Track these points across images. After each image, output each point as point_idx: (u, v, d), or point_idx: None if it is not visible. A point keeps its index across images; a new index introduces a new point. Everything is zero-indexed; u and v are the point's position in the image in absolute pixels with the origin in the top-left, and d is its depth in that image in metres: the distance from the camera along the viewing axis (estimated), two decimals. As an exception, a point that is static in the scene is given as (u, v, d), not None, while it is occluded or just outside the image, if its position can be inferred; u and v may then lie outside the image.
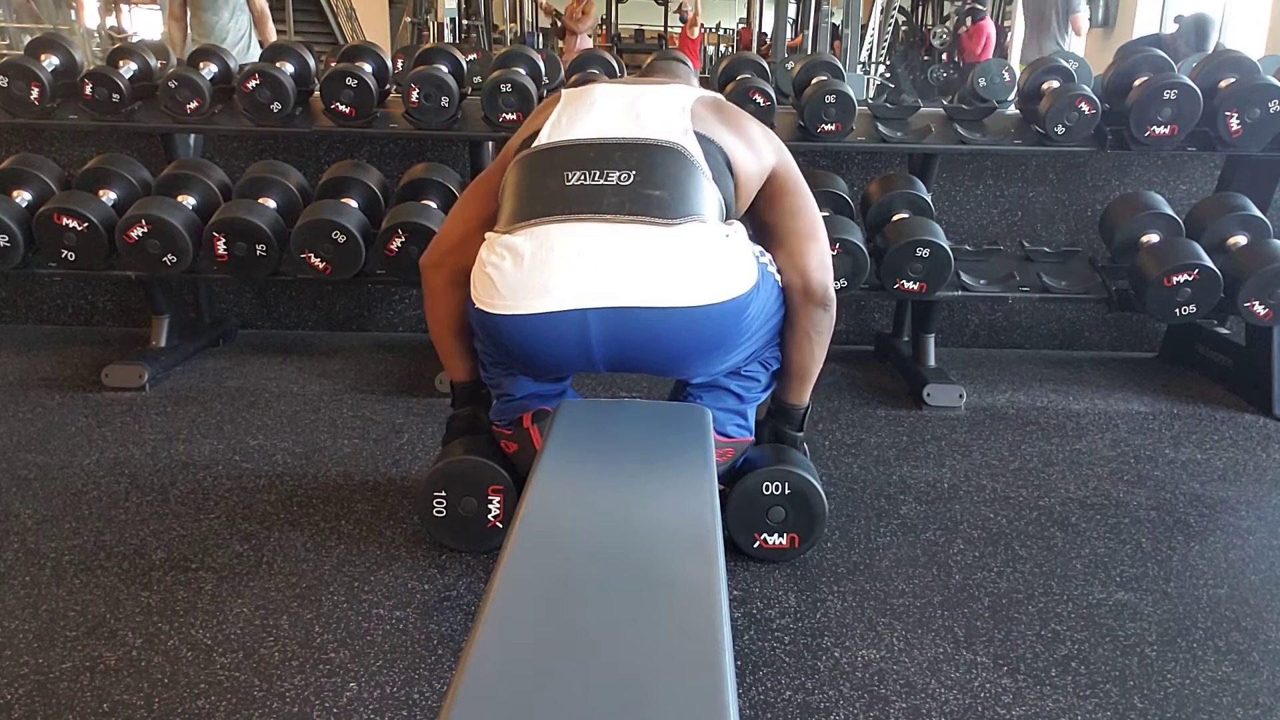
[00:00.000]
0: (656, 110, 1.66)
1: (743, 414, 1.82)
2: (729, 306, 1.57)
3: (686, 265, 1.54)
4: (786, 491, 1.77)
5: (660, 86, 1.75)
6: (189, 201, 2.73)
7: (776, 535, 1.80)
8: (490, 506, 1.80)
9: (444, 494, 1.80)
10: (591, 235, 1.54)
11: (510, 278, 1.56)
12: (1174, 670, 1.53)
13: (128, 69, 2.99)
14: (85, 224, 2.63)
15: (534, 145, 1.66)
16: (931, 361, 2.90)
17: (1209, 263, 2.55)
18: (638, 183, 1.56)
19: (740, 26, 16.90)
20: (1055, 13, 6.98)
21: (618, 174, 1.57)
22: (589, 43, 9.37)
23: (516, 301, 1.55)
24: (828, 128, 2.82)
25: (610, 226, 1.54)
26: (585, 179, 1.57)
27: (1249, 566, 1.86)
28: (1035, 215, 3.27)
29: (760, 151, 1.73)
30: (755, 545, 1.80)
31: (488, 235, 1.64)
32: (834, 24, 8.43)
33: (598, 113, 1.66)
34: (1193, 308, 2.60)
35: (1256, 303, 2.58)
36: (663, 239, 1.54)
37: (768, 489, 1.77)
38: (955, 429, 2.55)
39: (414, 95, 2.80)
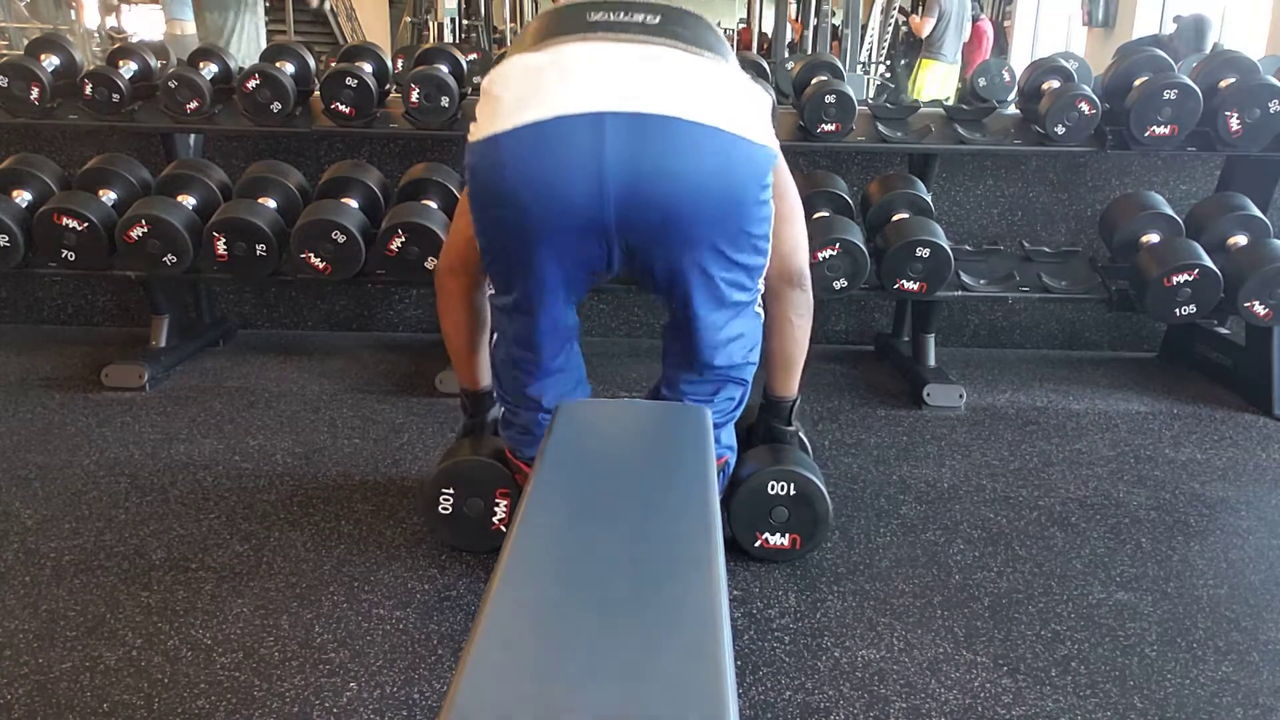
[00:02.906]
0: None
1: (716, 438, 1.75)
2: (755, 151, 1.47)
3: (714, 89, 1.45)
4: (792, 492, 1.77)
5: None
6: (189, 201, 2.73)
7: (779, 535, 1.80)
8: (496, 509, 1.80)
9: (452, 491, 1.80)
10: (614, 49, 1.45)
11: (518, 88, 1.44)
12: (1174, 670, 1.53)
13: (128, 69, 2.99)
14: (85, 224, 2.63)
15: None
16: (931, 361, 2.89)
17: (1209, 263, 2.55)
18: (665, 22, 1.49)
19: (740, 26, 16.90)
20: (951, 21, 7.15)
21: (644, 15, 1.50)
22: None
23: (523, 112, 1.41)
24: (828, 128, 2.82)
25: (635, 46, 1.45)
26: (610, 16, 1.50)
27: (1249, 566, 1.86)
28: (1035, 215, 3.27)
29: None
30: (757, 544, 1.80)
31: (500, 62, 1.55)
32: (834, 24, 8.43)
33: None
34: (1193, 308, 2.60)
35: (1256, 303, 2.58)
36: (690, 62, 1.46)
37: (773, 488, 1.77)
38: (955, 429, 2.55)
39: (414, 95, 2.80)
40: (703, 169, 1.43)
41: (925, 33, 7.48)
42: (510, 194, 1.45)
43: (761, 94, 1.54)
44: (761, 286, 1.67)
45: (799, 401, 1.91)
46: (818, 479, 1.79)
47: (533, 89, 1.43)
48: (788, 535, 1.80)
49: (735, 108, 1.46)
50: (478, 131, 1.47)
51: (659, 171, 1.41)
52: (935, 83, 7.49)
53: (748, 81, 1.54)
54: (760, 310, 1.70)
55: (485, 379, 1.86)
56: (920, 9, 8.07)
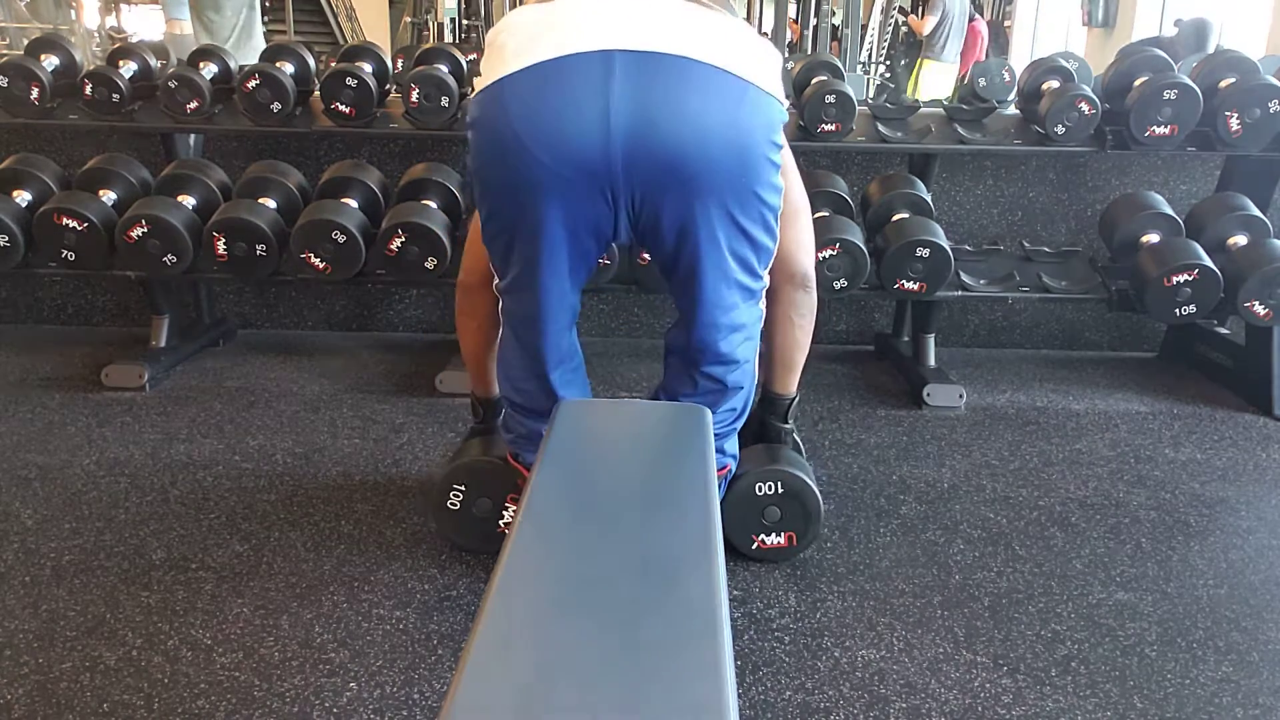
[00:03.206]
0: None
1: (720, 449, 1.75)
2: (765, 101, 1.43)
3: (725, 36, 1.42)
4: (780, 491, 1.78)
5: None
6: (189, 201, 2.73)
7: (773, 535, 1.80)
8: (504, 513, 1.80)
9: (463, 489, 1.80)
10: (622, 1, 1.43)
11: (523, 35, 1.41)
12: (1174, 670, 1.53)
13: (128, 69, 2.99)
14: (85, 224, 2.63)
15: None
16: (931, 361, 2.89)
17: (1209, 263, 2.55)
18: None
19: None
20: (954, 22, 7.19)
21: None
22: None
23: (527, 55, 1.38)
24: (828, 128, 2.82)
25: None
26: None
27: (1249, 566, 1.86)
28: (1035, 215, 3.27)
29: None
30: (754, 546, 1.80)
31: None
32: (834, 24, 8.43)
33: None
34: (1193, 308, 2.60)
35: (1256, 303, 2.58)
36: (700, 12, 1.43)
37: (761, 490, 1.78)
38: (955, 429, 2.55)
39: (414, 95, 2.79)
40: (713, 111, 1.39)
41: (926, 31, 7.49)
42: (514, 139, 1.39)
43: (772, 49, 1.51)
44: (768, 279, 1.65)
45: (798, 400, 1.91)
46: (804, 474, 1.79)
47: (538, 34, 1.41)
48: (782, 534, 1.80)
49: (746, 55, 1.44)
50: (481, 83, 1.45)
51: (668, 111, 1.37)
52: (934, 83, 7.51)
53: (758, 35, 1.51)
54: (763, 307, 1.69)
55: (498, 386, 1.86)
56: (921, 8, 8.08)
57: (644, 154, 1.39)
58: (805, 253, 1.73)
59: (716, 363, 1.64)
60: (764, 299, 1.68)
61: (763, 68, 1.46)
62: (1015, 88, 3.06)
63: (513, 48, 1.41)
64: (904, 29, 8.87)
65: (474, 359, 1.84)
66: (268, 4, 4.75)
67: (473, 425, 1.96)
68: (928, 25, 7.45)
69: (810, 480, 1.79)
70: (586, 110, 1.37)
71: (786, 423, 1.91)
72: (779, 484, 1.78)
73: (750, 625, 1.62)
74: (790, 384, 1.87)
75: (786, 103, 1.51)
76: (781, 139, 1.51)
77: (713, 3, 1.48)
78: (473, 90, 1.47)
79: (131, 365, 2.72)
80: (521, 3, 1.61)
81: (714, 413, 1.67)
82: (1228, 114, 2.71)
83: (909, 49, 9.56)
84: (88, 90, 2.88)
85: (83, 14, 10.85)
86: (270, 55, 3.07)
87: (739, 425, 1.78)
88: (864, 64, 9.73)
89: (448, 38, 11.11)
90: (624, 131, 1.37)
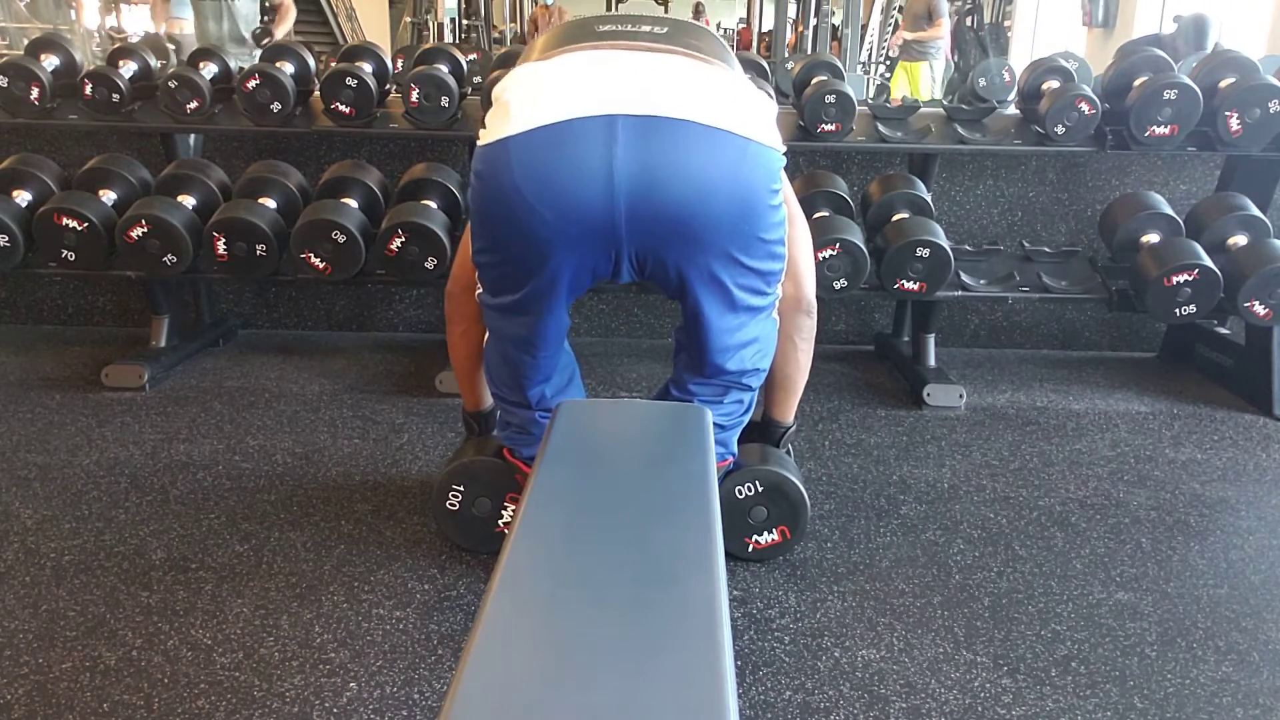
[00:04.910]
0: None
1: (724, 442, 1.77)
2: (764, 154, 1.47)
3: (723, 93, 1.46)
4: (760, 489, 1.78)
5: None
6: (189, 201, 2.74)
7: (766, 533, 1.80)
8: (503, 513, 1.80)
9: (462, 489, 1.80)
10: (624, 55, 1.47)
11: (528, 93, 1.45)
12: (1174, 670, 1.53)
13: (128, 69, 2.99)
14: (85, 224, 2.63)
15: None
16: (931, 361, 2.90)
17: (1209, 263, 2.55)
18: (673, 33, 1.53)
19: (740, 26, 16.89)
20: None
21: (651, 27, 1.54)
22: None
23: (533, 116, 1.41)
24: (828, 128, 2.81)
25: (644, 54, 1.47)
26: (618, 27, 1.53)
27: (1249, 566, 1.86)
28: (1035, 215, 3.27)
29: None
30: (750, 549, 1.81)
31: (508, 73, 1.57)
32: (834, 24, 8.43)
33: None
34: (1193, 308, 2.60)
35: (1256, 303, 2.58)
36: (698, 68, 1.48)
37: (741, 493, 1.78)
38: (955, 429, 2.55)
39: (414, 95, 2.79)
40: (714, 170, 1.43)
41: (945, 34, 7.54)
42: (520, 198, 1.43)
43: (768, 100, 1.56)
44: (779, 291, 1.66)
45: (794, 429, 1.92)
46: (780, 467, 1.79)
47: (543, 93, 1.44)
48: (775, 530, 1.80)
49: (744, 111, 1.47)
50: (486, 137, 1.48)
51: (670, 173, 1.41)
52: (936, 81, 7.53)
53: (754, 88, 1.55)
54: (776, 317, 1.69)
55: (489, 399, 1.86)
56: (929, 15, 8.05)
57: (648, 215, 1.43)
58: (807, 279, 1.76)
59: (728, 374, 1.67)
60: (776, 311, 1.69)
61: (760, 120, 1.49)
62: (1015, 88, 3.06)
63: (517, 107, 1.44)
64: (908, 36, 8.80)
65: (462, 366, 1.84)
66: (267, 4, 4.72)
67: (467, 437, 1.96)
68: (945, 28, 7.48)
69: (787, 471, 1.79)
70: (591, 174, 1.40)
71: (777, 447, 1.91)
72: (757, 483, 1.78)
73: (750, 625, 1.62)
74: (788, 410, 1.88)
75: (784, 148, 1.54)
76: (779, 182, 1.54)
77: (710, 56, 1.51)
78: (479, 140, 1.50)
79: (131, 365, 2.72)
80: (523, 24, 1.65)
81: (722, 403, 1.70)
82: (1228, 114, 2.71)
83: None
84: (88, 90, 2.88)
85: (83, 14, 10.85)
86: (270, 55, 3.07)
87: (744, 420, 1.79)
88: (864, 64, 9.73)
89: (448, 38, 11.11)
90: (628, 194, 1.40)
